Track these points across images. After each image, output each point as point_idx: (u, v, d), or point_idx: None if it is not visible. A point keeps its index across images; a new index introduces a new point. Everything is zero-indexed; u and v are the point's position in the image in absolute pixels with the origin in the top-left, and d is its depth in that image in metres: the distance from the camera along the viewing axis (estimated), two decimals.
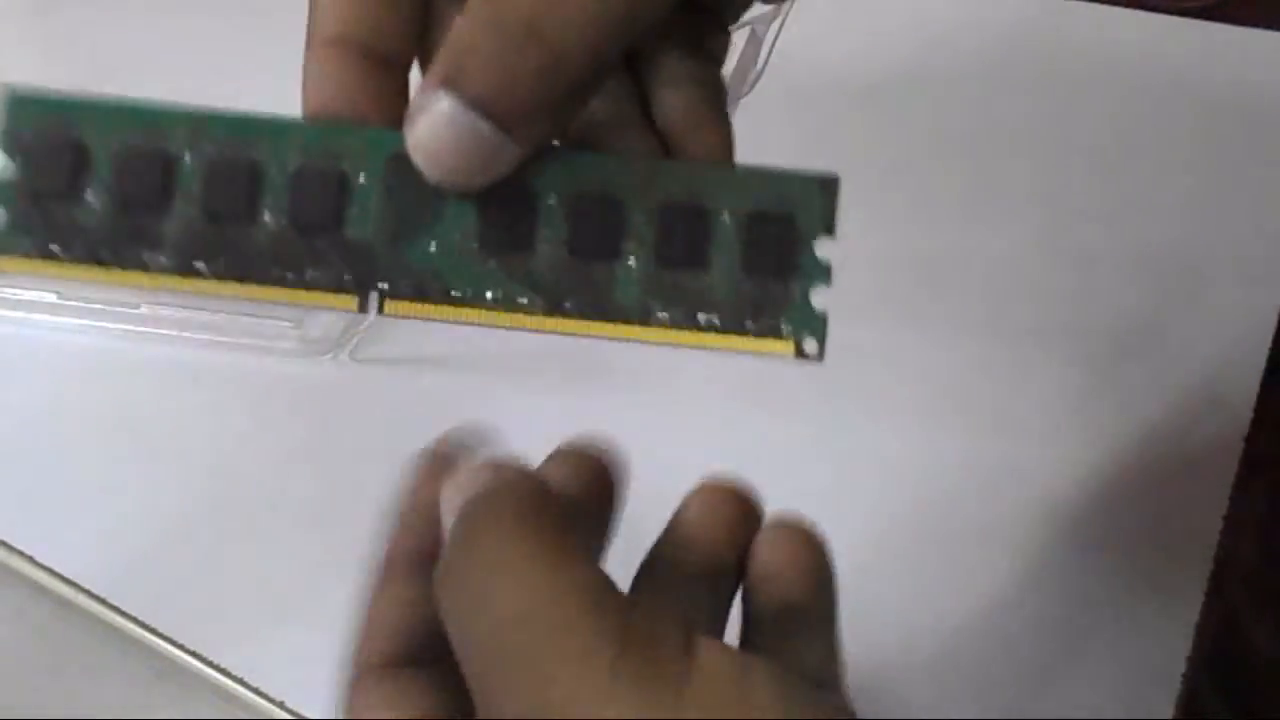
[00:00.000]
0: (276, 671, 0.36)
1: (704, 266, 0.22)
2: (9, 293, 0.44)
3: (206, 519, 0.40)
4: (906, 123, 0.51)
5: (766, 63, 0.46)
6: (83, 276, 0.22)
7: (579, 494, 0.24)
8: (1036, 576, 0.38)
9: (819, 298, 0.22)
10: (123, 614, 0.37)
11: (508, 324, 0.22)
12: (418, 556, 0.23)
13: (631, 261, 0.22)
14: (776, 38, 0.46)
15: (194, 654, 0.36)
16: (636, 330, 0.22)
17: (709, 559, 0.23)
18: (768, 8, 0.44)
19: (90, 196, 0.22)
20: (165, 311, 0.43)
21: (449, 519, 0.21)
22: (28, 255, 0.22)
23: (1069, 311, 0.44)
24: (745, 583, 0.23)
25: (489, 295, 0.22)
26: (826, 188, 0.23)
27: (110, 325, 0.44)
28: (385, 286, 0.22)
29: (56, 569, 0.38)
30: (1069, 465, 0.40)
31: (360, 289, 0.22)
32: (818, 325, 0.22)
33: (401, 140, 0.21)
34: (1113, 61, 0.54)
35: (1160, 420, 0.42)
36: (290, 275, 0.22)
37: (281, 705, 0.35)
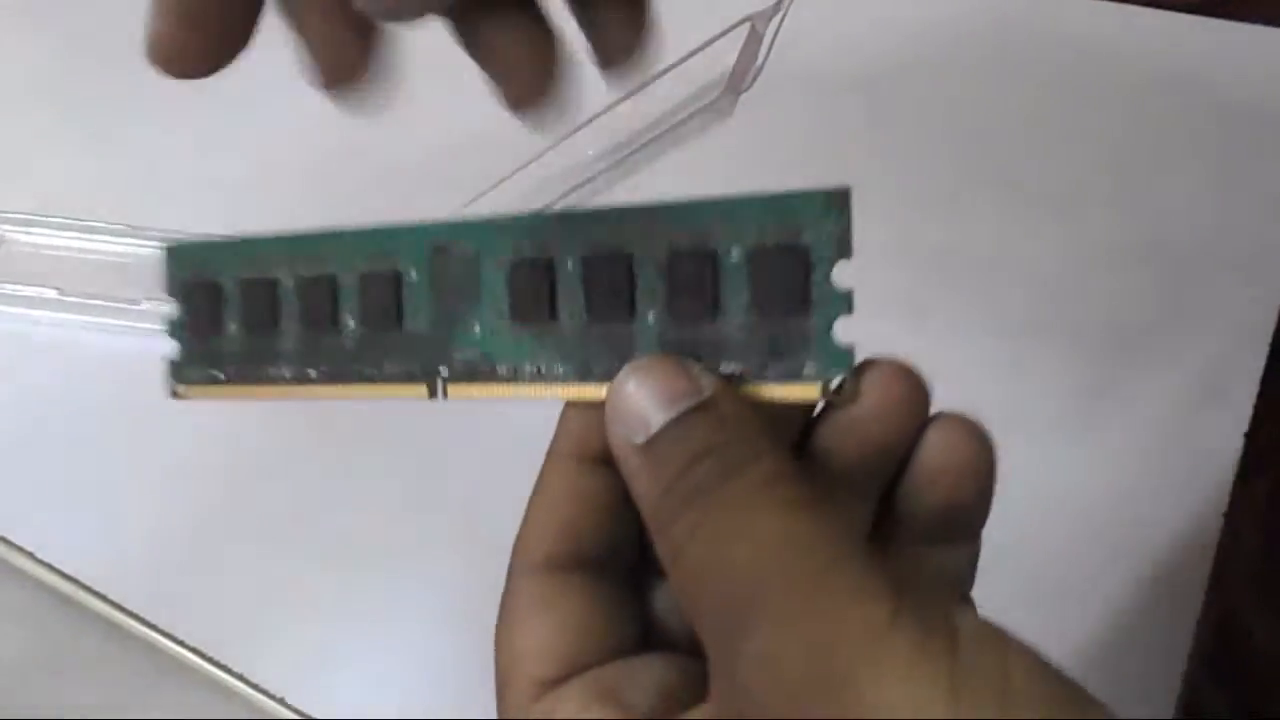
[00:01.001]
0: (277, 668, 0.36)
1: (718, 315, 0.21)
2: (10, 289, 0.44)
3: (208, 515, 0.40)
4: (907, 118, 0.50)
5: (767, 58, 0.46)
6: (234, 396, 0.25)
7: None
8: (1036, 575, 0.38)
9: (842, 329, 0.20)
10: (124, 610, 0.37)
11: (548, 395, 0.22)
12: (584, 448, 0.22)
13: (650, 319, 0.21)
14: (777, 33, 0.46)
15: (195, 651, 0.36)
16: None
17: (882, 446, 0.21)
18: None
19: (230, 326, 0.25)
20: (166, 308, 0.43)
21: (657, 416, 0.20)
22: (200, 383, 0.26)
23: (1070, 307, 0.44)
24: (910, 475, 0.22)
25: (528, 369, 0.22)
26: (836, 203, 0.20)
27: (111, 321, 0.44)
28: (445, 373, 0.23)
29: (57, 565, 0.38)
30: (1069, 462, 0.40)
31: (427, 377, 0.23)
32: (844, 360, 0.20)
33: (438, 231, 0.23)
34: (1116, 57, 0.54)
35: (1161, 417, 0.41)
36: (372, 371, 0.24)
37: (282, 702, 0.35)
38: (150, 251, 0.41)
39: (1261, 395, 0.42)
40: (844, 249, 0.20)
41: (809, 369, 0.20)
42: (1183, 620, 0.37)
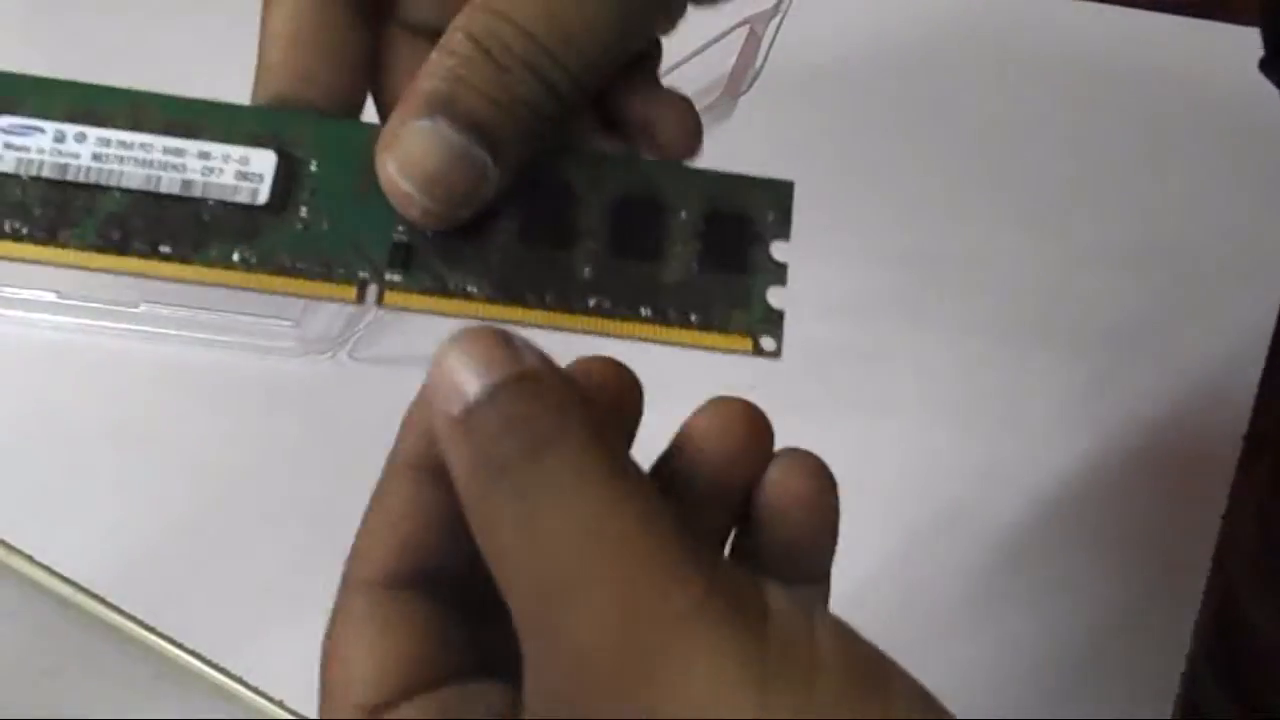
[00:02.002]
0: (276, 671, 0.36)
1: (659, 258, 0.22)
2: (8, 291, 0.44)
3: (206, 518, 0.40)
4: (906, 121, 0.50)
5: (765, 60, 0.46)
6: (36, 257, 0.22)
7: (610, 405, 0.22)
8: (1036, 575, 0.38)
9: (776, 297, 0.22)
10: (122, 613, 0.37)
11: (457, 312, 0.22)
12: (429, 462, 0.21)
13: (590, 245, 0.22)
14: (775, 35, 0.46)
15: (193, 653, 0.36)
16: (593, 321, 0.22)
17: (721, 483, 0.22)
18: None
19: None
20: (164, 311, 0.43)
21: (473, 385, 0.19)
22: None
23: (1070, 308, 0.44)
24: (753, 514, 0.22)
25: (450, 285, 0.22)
26: (781, 191, 0.23)
27: (109, 324, 0.44)
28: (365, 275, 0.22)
29: (55, 568, 0.38)
30: (1069, 462, 0.40)
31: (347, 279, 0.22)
32: (775, 321, 0.22)
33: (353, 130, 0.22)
34: (1114, 59, 0.54)
35: (1160, 418, 0.41)
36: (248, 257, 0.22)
37: (281, 705, 0.35)
38: None
39: (1260, 395, 0.42)
40: (785, 231, 0.22)
41: (739, 323, 0.22)
42: (1183, 619, 0.37)
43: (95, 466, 0.41)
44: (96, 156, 0.22)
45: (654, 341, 0.22)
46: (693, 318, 0.22)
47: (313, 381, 0.43)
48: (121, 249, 0.21)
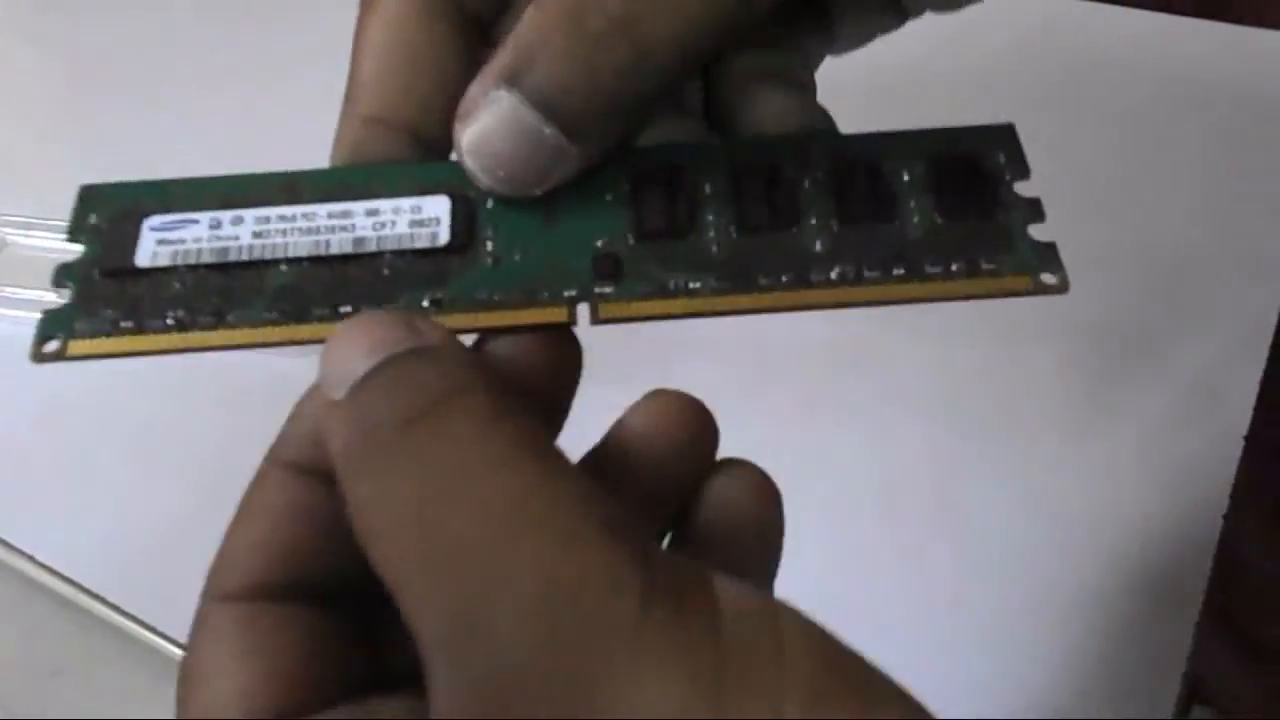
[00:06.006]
0: None
1: (895, 219, 0.20)
2: (10, 292, 0.44)
3: (208, 518, 0.40)
4: (913, 121, 0.50)
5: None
6: (146, 348, 0.22)
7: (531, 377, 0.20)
8: (1036, 577, 0.38)
9: (1038, 231, 0.21)
10: (123, 613, 0.37)
11: (685, 312, 0.20)
12: (304, 461, 0.19)
13: (814, 221, 0.20)
14: None
15: None
16: (841, 292, 0.20)
17: (658, 480, 0.20)
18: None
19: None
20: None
21: (361, 365, 0.16)
22: (94, 335, 0.23)
23: (1070, 310, 0.44)
24: (694, 520, 0.20)
25: (671, 285, 0.20)
26: (1004, 134, 0.22)
27: None
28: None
29: (57, 568, 0.38)
30: (1067, 466, 0.40)
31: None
32: (1050, 255, 0.21)
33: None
34: (1117, 61, 0.54)
35: (1160, 420, 0.41)
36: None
37: None
38: None
39: (1261, 399, 0.42)
40: (1022, 169, 0.21)
41: (1009, 263, 0.20)
42: (1183, 622, 0.37)
43: (97, 467, 0.41)
44: (257, 234, 0.21)
45: (914, 301, 0.20)
46: (954, 267, 0.20)
47: (314, 381, 0.43)
48: (298, 318, 0.20)
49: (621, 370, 0.42)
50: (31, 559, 0.38)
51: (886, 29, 0.26)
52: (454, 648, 0.15)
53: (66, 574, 0.38)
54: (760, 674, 0.14)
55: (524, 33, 0.19)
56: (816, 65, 0.24)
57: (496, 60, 0.19)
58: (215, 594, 0.18)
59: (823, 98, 0.23)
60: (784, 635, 0.15)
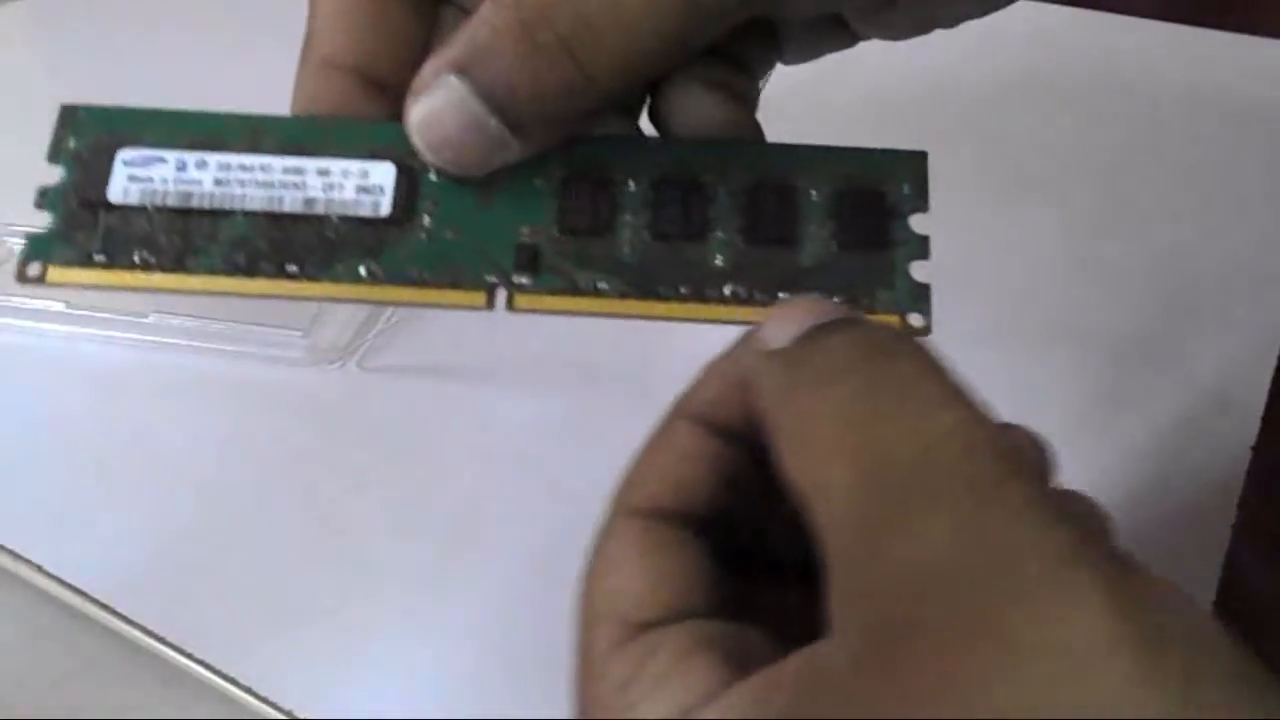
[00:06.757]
0: (285, 680, 0.36)
1: (795, 241, 0.22)
2: (17, 301, 0.44)
3: (214, 527, 0.40)
4: (920, 130, 0.50)
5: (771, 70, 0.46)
6: (120, 283, 0.22)
7: None
8: None
9: (920, 270, 0.22)
10: (130, 622, 0.37)
11: (590, 310, 0.21)
12: (713, 415, 0.21)
13: (720, 235, 0.21)
14: None
15: (201, 662, 0.36)
16: (732, 310, 0.21)
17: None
18: None
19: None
20: (174, 321, 0.43)
21: (793, 329, 0.18)
22: (72, 264, 0.23)
23: (1079, 316, 0.44)
24: None
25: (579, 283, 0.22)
26: (915, 162, 0.23)
27: (119, 334, 0.44)
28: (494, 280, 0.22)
29: (63, 577, 0.38)
30: (1077, 473, 0.40)
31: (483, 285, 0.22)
32: (922, 296, 0.22)
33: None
34: (1125, 70, 0.54)
35: (1168, 427, 0.41)
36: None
37: (290, 715, 0.35)
38: None
39: (1269, 410, 0.41)
40: (922, 201, 0.22)
41: (885, 301, 0.22)
42: None
43: (104, 475, 0.41)
44: (219, 182, 0.22)
45: None
46: (835, 299, 0.21)
47: (321, 391, 0.43)
48: (249, 272, 0.22)
49: (632, 385, 0.42)
50: (38, 567, 0.38)
51: (838, 48, 0.27)
52: (869, 544, 0.16)
53: (74, 583, 0.38)
54: (1189, 642, 0.15)
55: (478, 29, 0.20)
56: (763, 75, 0.25)
57: (450, 49, 0.20)
58: (622, 509, 0.21)
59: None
60: (1198, 617, 0.15)
